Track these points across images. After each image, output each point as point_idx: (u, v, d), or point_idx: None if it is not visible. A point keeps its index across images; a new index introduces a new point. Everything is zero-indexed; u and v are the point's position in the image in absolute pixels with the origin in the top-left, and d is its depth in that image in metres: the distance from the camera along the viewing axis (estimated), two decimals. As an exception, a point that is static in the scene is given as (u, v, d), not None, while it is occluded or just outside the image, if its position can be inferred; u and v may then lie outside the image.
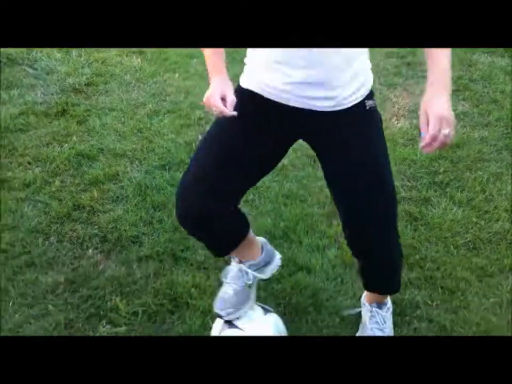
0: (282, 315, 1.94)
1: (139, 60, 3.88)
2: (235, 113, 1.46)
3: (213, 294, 2.02)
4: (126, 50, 4.01)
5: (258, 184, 2.62)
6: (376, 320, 1.86)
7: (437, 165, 2.80)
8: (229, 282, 1.77)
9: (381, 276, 1.80)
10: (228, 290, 1.76)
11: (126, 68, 3.77)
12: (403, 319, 1.95)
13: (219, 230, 1.64)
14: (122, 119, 3.20)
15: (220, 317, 1.74)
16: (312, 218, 2.45)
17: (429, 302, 2.03)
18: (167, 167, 2.78)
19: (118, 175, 2.72)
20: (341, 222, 1.70)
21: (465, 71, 3.67)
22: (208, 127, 3.05)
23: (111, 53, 3.96)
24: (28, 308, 1.92)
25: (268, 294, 2.06)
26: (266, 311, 1.87)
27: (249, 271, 1.78)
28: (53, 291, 2.02)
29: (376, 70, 3.72)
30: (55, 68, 3.72)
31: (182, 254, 2.23)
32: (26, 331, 1.82)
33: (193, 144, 2.97)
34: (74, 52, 3.95)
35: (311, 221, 2.43)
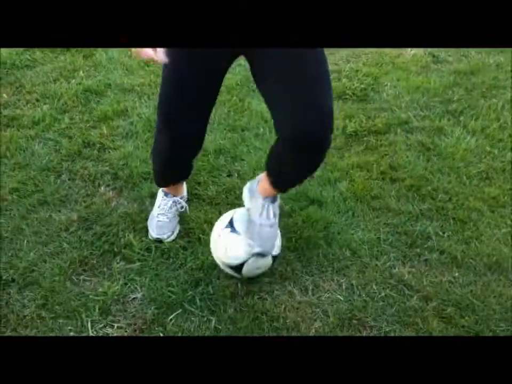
0: (294, 249, 1.97)
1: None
2: (166, 60, 1.49)
3: (225, 229, 2.04)
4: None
5: (268, 117, 2.60)
6: (267, 214, 1.80)
7: (451, 92, 2.74)
8: (163, 213, 2.06)
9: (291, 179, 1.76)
10: (163, 218, 2.06)
11: None
12: (414, 251, 1.96)
13: (189, 161, 1.93)
14: (129, 52, 3.14)
15: (160, 240, 2.02)
16: (323, 151, 2.42)
17: (440, 233, 2.03)
18: (175, 102, 2.74)
19: (127, 110, 2.70)
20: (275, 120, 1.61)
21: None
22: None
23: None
24: (42, 246, 1.95)
25: (280, 228, 2.07)
26: None
27: (182, 201, 2.11)
28: (67, 229, 2.04)
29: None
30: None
31: (193, 190, 2.24)
32: (41, 269, 1.85)
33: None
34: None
35: (322, 153, 2.41)
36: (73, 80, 2.89)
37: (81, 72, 2.97)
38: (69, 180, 2.29)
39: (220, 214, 2.12)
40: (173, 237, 2.03)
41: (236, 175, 2.32)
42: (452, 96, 2.70)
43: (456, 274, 1.86)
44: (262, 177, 1.83)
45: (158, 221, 2.04)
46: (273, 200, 1.82)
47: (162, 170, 1.97)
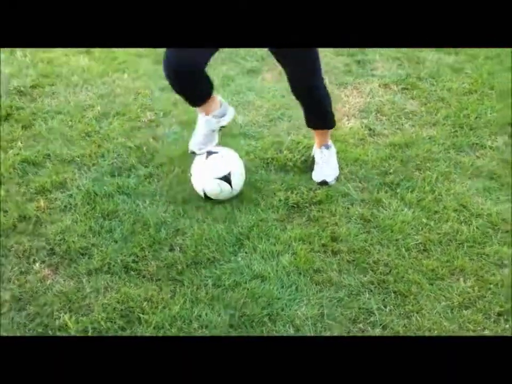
0: (237, 327, 1.93)
1: (86, 59, 3.78)
2: None
3: (166, 307, 1.99)
4: (73, 49, 3.90)
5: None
6: (322, 156, 2.75)
7: (387, 164, 2.83)
8: (200, 129, 2.55)
9: (318, 112, 2.67)
10: (199, 133, 2.56)
11: (73, 68, 3.67)
12: (357, 326, 1.96)
13: (200, 82, 2.39)
14: (70, 122, 3.11)
15: (194, 152, 2.57)
16: (267, 224, 2.43)
17: (382, 307, 2.04)
18: (116, 173, 2.72)
19: (66, 182, 2.64)
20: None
21: (413, 69, 3.72)
22: (158, 130, 3.02)
23: (57, 53, 3.85)
24: (-29, 329, 1.84)
25: (222, 303, 2.04)
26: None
27: (213, 119, 2.54)
28: (-1, 310, 1.94)
29: (326, 69, 3.76)
30: (-2, 69, 3.59)
31: (133, 265, 2.18)
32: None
33: (144, 148, 2.92)
34: (18, 51, 3.82)
35: (265, 226, 2.42)
36: (11, 151, 2.83)
37: (19, 142, 2.91)
38: (2, 256, 2.20)
39: (161, 290, 2.08)
40: (204, 150, 2.55)
41: (178, 249, 2.29)
42: (389, 168, 2.79)
43: (399, 349, 1.86)
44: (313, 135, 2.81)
45: (195, 136, 2.58)
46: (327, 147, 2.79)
47: (180, 88, 2.39)
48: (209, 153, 2.54)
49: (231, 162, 2.57)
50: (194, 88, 2.41)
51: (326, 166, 2.73)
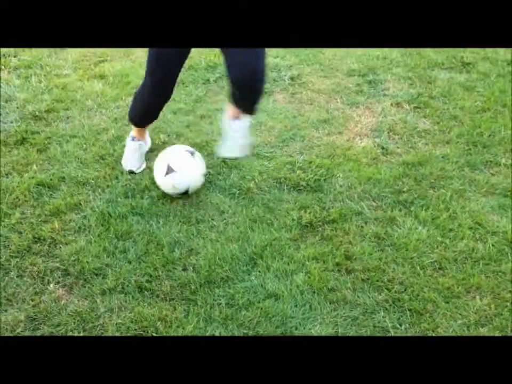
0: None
1: (100, 84, 3.83)
2: None
3: (179, 326, 1.99)
4: (87, 75, 3.96)
5: (224, 208, 2.62)
6: (234, 127, 2.76)
7: (401, 183, 2.82)
8: (131, 154, 2.95)
9: (248, 102, 2.65)
10: (132, 158, 2.94)
11: (87, 93, 3.72)
12: (372, 344, 1.94)
13: (161, 105, 2.79)
14: (84, 145, 3.15)
15: (133, 172, 2.90)
16: (280, 243, 2.43)
17: (398, 325, 2.02)
18: (130, 194, 2.73)
19: (80, 204, 2.66)
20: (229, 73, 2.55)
21: (425, 88, 3.72)
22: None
23: (72, 78, 3.91)
24: (-14, 350, 1.84)
25: (236, 323, 2.03)
26: (190, 152, 2.75)
27: (145, 145, 3.03)
28: (13, 329, 1.95)
29: (337, 89, 3.78)
30: (14, 95, 3.65)
31: (147, 285, 2.19)
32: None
33: (157, 170, 2.94)
34: (33, 77, 3.89)
35: (278, 245, 2.42)
36: (26, 174, 2.86)
37: (34, 165, 2.94)
38: (17, 277, 2.21)
39: (175, 310, 2.07)
40: (141, 169, 2.91)
41: (191, 269, 2.29)
42: (402, 186, 2.78)
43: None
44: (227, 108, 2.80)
45: (128, 159, 2.92)
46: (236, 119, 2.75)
47: (141, 110, 2.85)
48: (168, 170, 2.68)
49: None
50: (152, 112, 2.85)
51: (236, 141, 2.79)
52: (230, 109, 2.77)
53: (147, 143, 3.05)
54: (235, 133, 2.76)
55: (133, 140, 2.98)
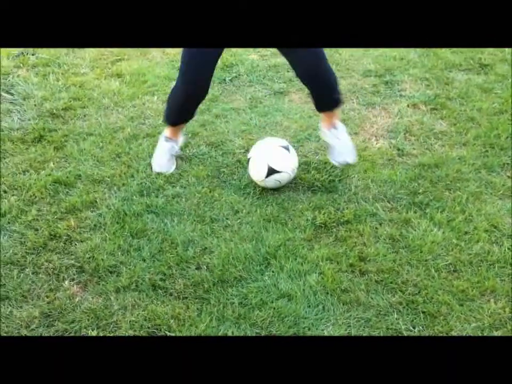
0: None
1: (117, 83, 3.86)
2: None
3: (192, 325, 2.00)
4: (104, 73, 3.99)
5: (239, 208, 2.62)
6: (333, 136, 2.89)
7: (416, 185, 2.80)
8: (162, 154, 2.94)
9: (325, 95, 2.77)
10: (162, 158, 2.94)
11: (104, 91, 3.75)
12: (385, 346, 1.93)
13: (197, 103, 2.81)
14: (101, 143, 3.17)
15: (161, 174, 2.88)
16: (294, 243, 2.43)
17: (411, 328, 2.01)
18: (145, 193, 2.75)
19: (96, 202, 2.68)
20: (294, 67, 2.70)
21: (442, 90, 3.69)
22: (187, 150, 3.05)
23: (89, 77, 3.94)
24: (1, 345, 1.86)
25: (248, 322, 2.03)
26: (286, 148, 2.78)
27: (177, 147, 2.99)
28: (28, 326, 1.97)
29: (354, 90, 3.77)
30: (32, 92, 3.69)
31: (161, 283, 2.20)
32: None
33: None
34: (51, 75, 3.92)
35: (292, 245, 2.41)
36: (43, 172, 2.89)
37: (51, 163, 2.97)
38: (32, 273, 2.24)
39: (188, 308, 2.08)
40: (171, 171, 2.89)
41: (205, 267, 2.29)
42: (418, 188, 2.76)
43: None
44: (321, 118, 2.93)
45: (158, 160, 2.92)
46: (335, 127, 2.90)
47: (176, 109, 2.84)
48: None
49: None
50: (187, 111, 2.85)
51: (343, 145, 2.89)
52: (322, 119, 2.92)
53: (179, 143, 2.99)
54: (337, 140, 2.88)
55: (166, 140, 2.94)
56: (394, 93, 3.68)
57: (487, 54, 4.17)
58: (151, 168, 2.90)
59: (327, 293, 2.17)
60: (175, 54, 4.20)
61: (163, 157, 2.91)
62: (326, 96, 2.78)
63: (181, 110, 2.84)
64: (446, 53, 4.17)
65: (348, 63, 4.12)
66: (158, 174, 2.85)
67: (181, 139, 3.00)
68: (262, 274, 2.26)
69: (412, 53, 4.19)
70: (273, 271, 2.28)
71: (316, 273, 2.26)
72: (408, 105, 3.52)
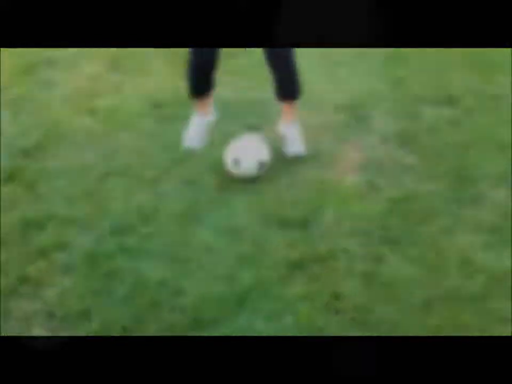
0: None
1: (90, 119, 3.84)
2: None
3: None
4: (76, 110, 3.97)
5: (212, 246, 2.61)
6: (293, 131, 3.26)
7: (388, 219, 2.83)
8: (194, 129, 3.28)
9: (290, 82, 3.14)
10: (193, 133, 3.28)
11: (77, 128, 3.72)
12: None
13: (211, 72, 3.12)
14: (73, 182, 3.14)
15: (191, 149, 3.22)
16: (269, 281, 2.42)
17: (386, 367, 2.00)
18: (117, 232, 2.72)
19: (67, 243, 2.65)
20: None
21: (411, 123, 3.74)
22: (160, 188, 3.04)
23: (62, 114, 3.92)
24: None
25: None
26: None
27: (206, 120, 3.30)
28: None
29: (325, 125, 3.79)
30: (3, 129, 3.65)
31: (132, 328, 2.16)
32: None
33: (145, 207, 2.93)
34: (23, 112, 3.89)
35: (267, 284, 2.41)
36: (12, 212, 2.85)
37: (22, 203, 2.93)
38: (3, 321, 2.18)
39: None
40: (198, 147, 3.19)
41: (178, 310, 2.27)
42: (390, 223, 2.78)
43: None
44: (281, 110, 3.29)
45: (189, 134, 3.22)
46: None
47: (192, 80, 3.15)
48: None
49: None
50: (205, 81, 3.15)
51: (297, 139, 3.25)
52: (283, 113, 3.26)
53: (212, 117, 3.28)
54: (293, 134, 3.24)
55: (196, 115, 3.23)
56: (365, 127, 3.72)
57: (455, 86, 4.24)
58: (182, 143, 3.22)
59: (302, 333, 2.15)
60: (147, 90, 4.19)
61: (194, 132, 3.22)
62: (291, 83, 3.13)
63: (195, 80, 3.15)
64: (414, 85, 4.23)
65: (320, 97, 4.17)
66: (188, 149, 3.17)
67: (211, 115, 3.27)
68: (237, 316, 2.24)
69: (382, 85, 4.23)
70: (248, 312, 2.26)
71: (290, 313, 2.25)
72: (379, 140, 3.56)
